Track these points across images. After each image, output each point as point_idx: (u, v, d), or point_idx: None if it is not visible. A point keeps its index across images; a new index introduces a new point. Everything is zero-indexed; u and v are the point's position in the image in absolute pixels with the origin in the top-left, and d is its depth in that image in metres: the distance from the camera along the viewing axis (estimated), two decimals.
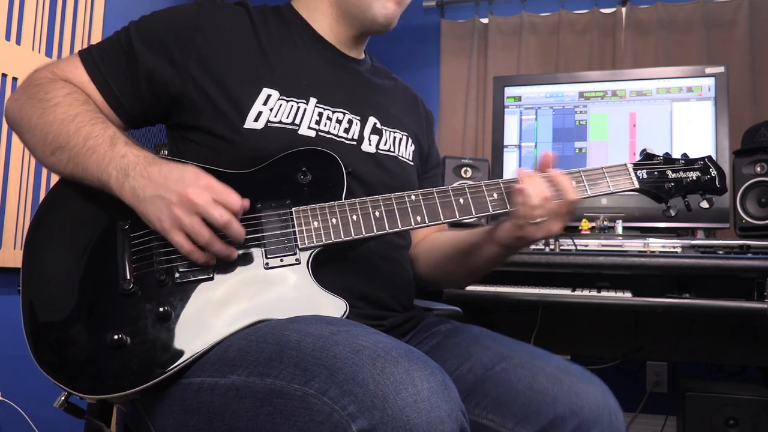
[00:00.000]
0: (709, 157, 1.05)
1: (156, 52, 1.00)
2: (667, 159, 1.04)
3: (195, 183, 0.85)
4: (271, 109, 1.00)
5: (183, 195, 0.84)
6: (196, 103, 1.00)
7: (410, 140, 1.18)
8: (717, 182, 1.04)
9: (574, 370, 0.92)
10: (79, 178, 0.92)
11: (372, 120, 1.10)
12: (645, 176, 1.01)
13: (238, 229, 0.86)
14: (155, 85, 1.00)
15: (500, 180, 0.98)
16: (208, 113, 0.99)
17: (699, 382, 2.14)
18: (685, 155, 1.05)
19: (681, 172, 1.03)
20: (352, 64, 1.15)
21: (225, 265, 0.89)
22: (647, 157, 1.03)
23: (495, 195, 0.96)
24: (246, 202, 0.88)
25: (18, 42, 1.95)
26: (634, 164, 1.02)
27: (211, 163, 0.97)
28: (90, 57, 1.02)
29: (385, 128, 1.12)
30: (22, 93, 0.99)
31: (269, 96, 1.00)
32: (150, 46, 1.00)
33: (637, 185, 1.01)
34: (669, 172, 1.03)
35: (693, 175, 1.03)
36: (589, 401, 0.87)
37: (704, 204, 1.05)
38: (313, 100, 1.04)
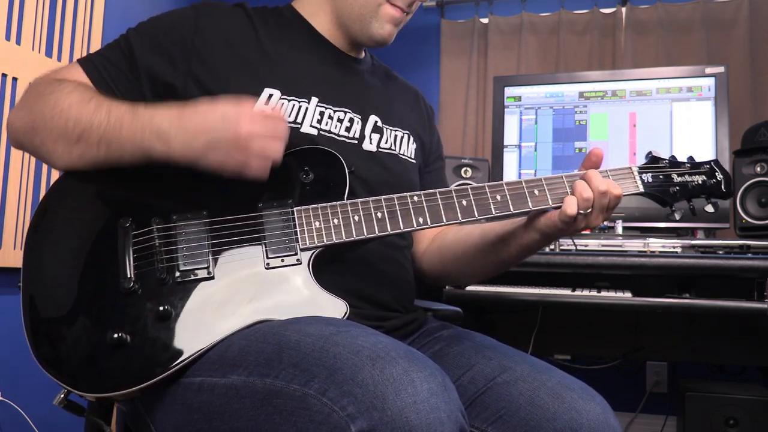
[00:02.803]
0: (716, 161, 1.04)
1: (157, 55, 1.00)
2: (673, 162, 1.02)
3: (238, 116, 0.86)
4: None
5: (237, 132, 0.86)
6: None
7: (411, 138, 1.18)
8: (723, 186, 1.02)
9: (575, 386, 0.92)
10: (117, 157, 0.90)
11: (373, 118, 1.11)
12: (650, 180, 1.00)
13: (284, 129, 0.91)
14: (158, 86, 1.00)
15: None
16: None
17: (699, 382, 2.14)
18: (691, 158, 1.04)
19: (687, 176, 1.01)
20: (352, 64, 1.15)
21: (226, 265, 0.89)
22: (653, 160, 1.02)
23: (498, 197, 0.95)
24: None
25: (18, 42, 1.95)
26: (639, 167, 1.00)
27: None
28: (90, 63, 1.01)
29: (386, 127, 1.13)
30: (26, 100, 0.98)
31: (271, 96, 1.01)
32: (151, 48, 1.00)
33: (642, 189, 0.99)
34: (674, 176, 1.01)
35: (699, 179, 1.02)
36: (589, 419, 0.87)
37: (709, 208, 1.04)
38: (314, 99, 1.04)
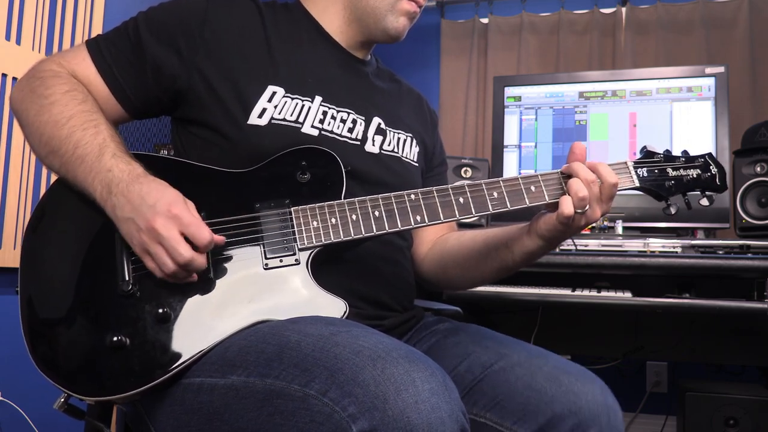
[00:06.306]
0: (710, 155, 1.04)
1: (164, 44, 0.99)
2: (668, 157, 1.03)
3: (164, 212, 0.82)
4: (275, 106, 0.99)
5: (149, 223, 0.82)
6: (202, 97, 1.00)
7: (415, 141, 1.18)
8: (717, 180, 1.03)
9: (572, 369, 0.92)
10: (71, 184, 0.92)
11: (376, 120, 1.10)
12: (645, 174, 1.00)
13: (200, 265, 0.84)
14: (162, 77, 1.00)
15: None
16: (213, 108, 0.99)
17: (699, 382, 2.14)
18: (685, 152, 1.04)
19: (681, 170, 1.02)
20: (358, 65, 1.14)
21: (224, 266, 0.89)
22: (648, 154, 1.03)
23: (495, 194, 0.95)
24: (220, 239, 0.86)
25: (18, 42, 1.95)
26: (635, 162, 1.01)
27: (213, 159, 0.97)
28: (97, 47, 1.01)
29: (390, 129, 1.12)
30: (26, 84, 0.98)
31: (274, 93, 1.00)
32: (158, 37, 1.00)
33: (637, 183, 1.00)
34: (669, 170, 1.02)
35: (693, 172, 1.02)
36: (587, 400, 0.87)
37: (704, 202, 1.04)
38: (318, 99, 1.04)
